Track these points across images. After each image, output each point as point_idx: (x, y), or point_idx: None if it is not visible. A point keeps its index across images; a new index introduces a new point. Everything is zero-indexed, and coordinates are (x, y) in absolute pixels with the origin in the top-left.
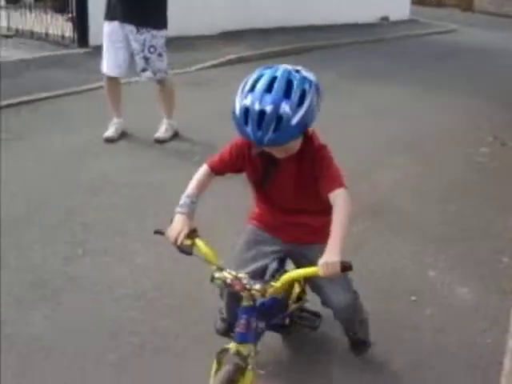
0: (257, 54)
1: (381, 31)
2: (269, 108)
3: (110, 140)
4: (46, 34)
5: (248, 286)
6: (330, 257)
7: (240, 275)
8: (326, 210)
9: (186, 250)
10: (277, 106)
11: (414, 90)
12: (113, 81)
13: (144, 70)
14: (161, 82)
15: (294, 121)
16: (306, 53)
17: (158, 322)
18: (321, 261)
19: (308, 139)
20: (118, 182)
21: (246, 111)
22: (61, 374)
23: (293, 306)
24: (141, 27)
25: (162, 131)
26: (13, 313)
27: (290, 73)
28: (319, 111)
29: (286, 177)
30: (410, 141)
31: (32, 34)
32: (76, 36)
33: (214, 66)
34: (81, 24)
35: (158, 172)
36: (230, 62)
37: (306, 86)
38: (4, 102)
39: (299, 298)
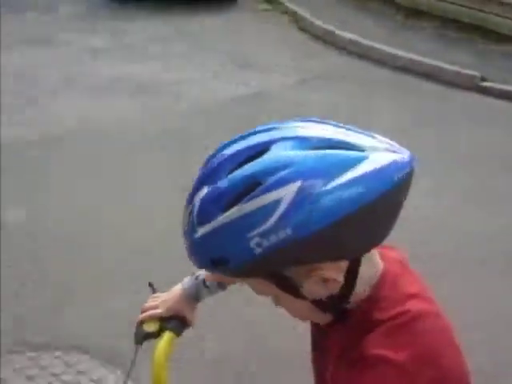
0: None
1: None
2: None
3: None
4: None
5: None
6: None
7: None
8: None
9: (136, 339)
10: (203, 191)
11: None
12: None
13: None
14: None
15: (198, 234)
16: None
17: None
18: None
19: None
20: None
21: None
22: None
23: None
24: None
25: None
26: None
27: (275, 141)
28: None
29: (326, 354)
30: None
31: None
32: None
33: None
34: None
35: None
36: None
37: (271, 179)
38: None
39: None
